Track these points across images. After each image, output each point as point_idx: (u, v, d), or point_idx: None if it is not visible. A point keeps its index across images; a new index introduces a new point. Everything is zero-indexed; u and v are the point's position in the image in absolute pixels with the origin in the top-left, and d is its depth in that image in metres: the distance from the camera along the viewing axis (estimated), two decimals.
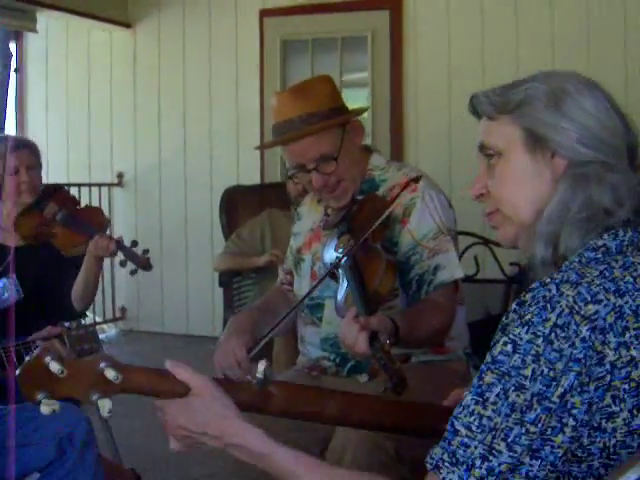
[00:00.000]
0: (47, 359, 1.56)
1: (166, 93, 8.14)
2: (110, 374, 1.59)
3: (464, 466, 1.39)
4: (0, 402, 2.84)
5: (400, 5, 7.26)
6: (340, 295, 2.56)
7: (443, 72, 7.11)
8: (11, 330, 3.15)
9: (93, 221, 3.76)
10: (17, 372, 1.57)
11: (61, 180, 7.59)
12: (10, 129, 9.44)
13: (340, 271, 2.60)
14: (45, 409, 1.56)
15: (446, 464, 1.41)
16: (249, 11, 7.78)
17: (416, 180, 2.78)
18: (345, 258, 2.54)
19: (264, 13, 7.75)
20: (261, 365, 1.74)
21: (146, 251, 3.53)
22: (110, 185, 8.09)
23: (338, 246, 2.72)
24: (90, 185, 7.97)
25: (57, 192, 3.97)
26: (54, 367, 1.55)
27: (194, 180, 8.05)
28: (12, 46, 9.34)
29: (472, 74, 6.90)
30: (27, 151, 3.75)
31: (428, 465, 1.45)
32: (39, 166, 3.84)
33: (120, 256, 3.66)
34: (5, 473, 2.59)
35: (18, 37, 9.01)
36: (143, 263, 3.68)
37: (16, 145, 3.71)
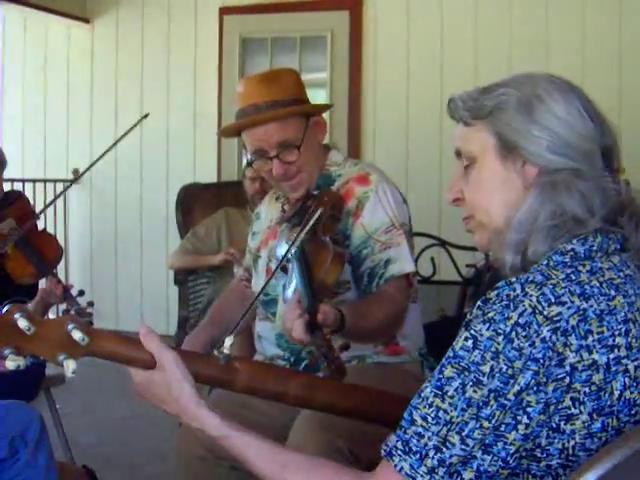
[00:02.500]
0: (16, 315, 1.59)
1: (123, 90, 8.09)
2: (77, 335, 1.62)
3: (417, 455, 1.42)
4: None
5: (360, 5, 7.27)
6: (289, 287, 2.56)
7: (401, 72, 7.13)
8: None
9: (47, 253, 3.72)
10: None
11: (16, 175, 7.52)
12: None
13: (290, 264, 2.60)
14: (10, 364, 1.60)
15: (399, 452, 1.44)
16: (209, 8, 7.75)
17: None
18: (294, 250, 2.55)
19: (224, 11, 7.72)
20: (228, 340, 1.75)
21: (90, 303, 3.47)
22: (65, 181, 8.02)
23: (289, 239, 2.72)
24: (45, 181, 7.91)
25: (17, 201, 3.94)
26: (22, 323, 1.58)
27: (150, 177, 8.01)
28: None
29: (430, 74, 6.94)
30: None
31: (382, 451, 1.48)
32: (1, 171, 3.80)
33: (64, 305, 3.59)
34: None
35: None
36: (84, 316, 3.59)
37: None
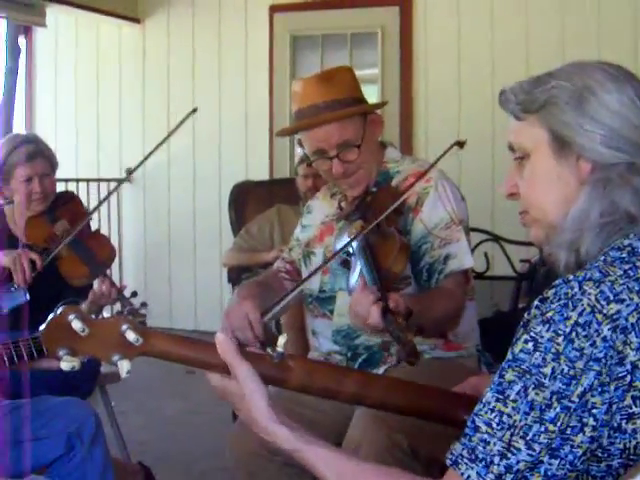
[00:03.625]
0: (70, 317, 1.61)
1: (175, 89, 8.13)
2: (131, 336, 1.64)
3: (482, 463, 1.40)
4: (10, 397, 2.83)
5: (410, 1, 7.24)
6: (353, 279, 2.57)
7: (452, 66, 7.09)
8: (24, 326, 3.17)
9: (99, 254, 3.74)
10: (41, 327, 1.62)
11: (70, 176, 7.58)
12: (19, 125, 9.45)
13: (352, 258, 2.61)
14: (65, 365, 1.62)
15: (465, 460, 1.42)
16: (259, 7, 7.76)
17: (460, 144, 2.79)
18: (356, 243, 2.55)
19: (274, 9, 7.73)
20: (282, 338, 1.75)
21: (144, 304, 3.47)
22: (119, 180, 8.06)
23: (351, 233, 2.72)
24: (99, 180, 7.96)
25: (70, 202, 3.97)
26: (76, 325, 1.60)
27: (203, 176, 8.04)
28: (21, 41, 9.35)
29: (482, 69, 6.89)
30: (42, 159, 3.75)
31: (448, 461, 1.45)
32: (53, 172, 3.84)
33: (117, 305, 3.59)
34: (14, 467, 2.58)
35: (27, 32, 9.01)
36: (137, 316, 3.59)
37: (30, 155, 3.71)
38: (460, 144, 2.79)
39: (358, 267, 2.55)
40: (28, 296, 3.52)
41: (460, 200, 2.92)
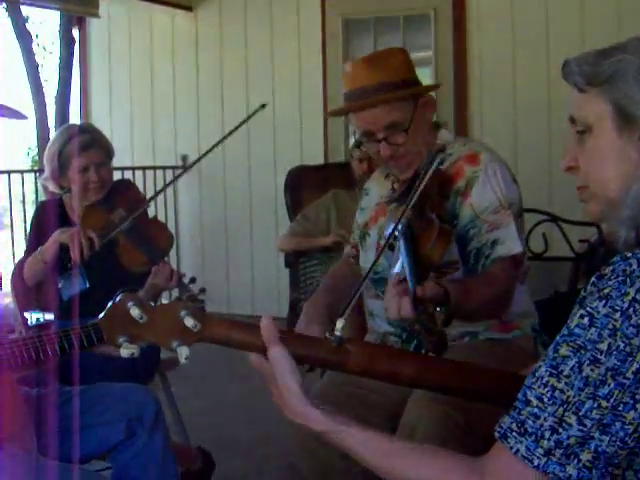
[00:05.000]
0: (129, 304, 1.62)
1: (228, 75, 8.15)
2: (189, 322, 1.65)
3: (532, 437, 1.39)
4: (67, 384, 2.86)
5: None
6: (395, 265, 2.55)
7: (507, 46, 7.02)
8: (75, 315, 3.20)
9: (157, 240, 3.76)
10: (100, 315, 1.64)
11: (126, 164, 7.64)
12: (74, 114, 9.56)
13: (397, 242, 2.59)
14: (124, 352, 1.64)
15: (514, 433, 1.41)
16: None
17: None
18: (400, 227, 2.53)
19: None
20: (339, 323, 1.74)
21: (202, 290, 3.48)
22: (174, 168, 8.11)
23: (396, 216, 2.71)
24: (155, 168, 8.01)
25: (127, 190, 3.99)
26: (135, 312, 1.62)
27: (258, 161, 8.06)
28: (75, 32, 9.44)
29: (537, 49, 6.82)
30: (97, 149, 3.78)
31: (496, 434, 1.45)
32: (109, 161, 3.87)
33: (175, 291, 3.61)
34: (76, 453, 2.61)
35: (81, 23, 9.10)
36: (196, 303, 3.59)
37: (86, 145, 3.74)
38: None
39: (400, 252, 2.53)
40: (88, 283, 3.56)
41: (511, 183, 2.87)
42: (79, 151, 3.72)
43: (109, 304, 1.68)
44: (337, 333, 1.74)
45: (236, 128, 3.73)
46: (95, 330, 2.49)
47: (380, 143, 2.85)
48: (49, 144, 3.90)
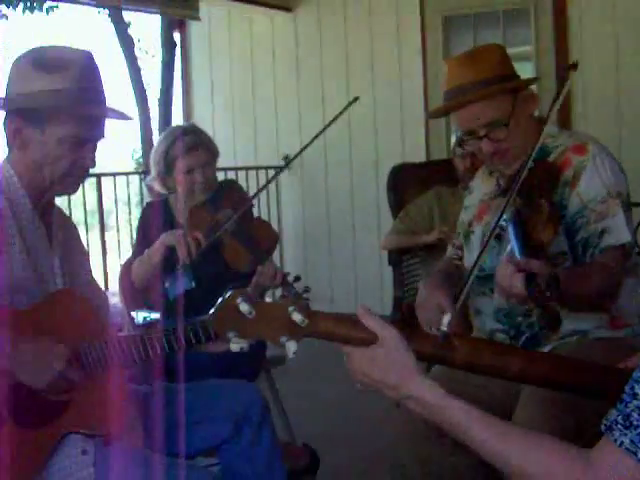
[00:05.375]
0: (238, 300, 1.64)
1: (328, 75, 8.17)
2: (297, 317, 1.67)
3: (638, 430, 1.37)
4: (174, 381, 2.89)
5: None
6: (506, 253, 2.53)
7: (609, 38, 6.91)
8: (181, 314, 3.24)
9: (262, 240, 3.78)
10: (211, 311, 1.67)
11: (228, 164, 7.71)
12: (177, 116, 9.69)
13: (505, 232, 2.58)
14: (234, 347, 1.67)
15: (619, 426, 1.40)
16: None
17: (574, 67, 2.71)
18: (507, 215, 2.52)
19: None
20: (446, 317, 1.75)
21: (307, 289, 3.50)
22: (276, 168, 8.16)
23: (502, 206, 2.69)
24: (257, 168, 8.06)
25: (232, 190, 4.03)
26: (244, 308, 1.64)
27: (359, 160, 8.06)
28: (176, 35, 9.58)
29: None
30: (202, 150, 3.82)
31: (602, 426, 1.44)
32: (214, 161, 3.91)
33: (281, 291, 3.62)
34: (183, 449, 2.64)
35: (182, 26, 9.23)
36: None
37: (191, 146, 3.79)
38: (574, 66, 2.75)
39: (510, 240, 2.52)
40: (194, 283, 3.60)
41: (619, 172, 2.83)
42: (185, 152, 3.76)
43: (219, 300, 1.70)
44: (443, 328, 1.74)
45: (331, 122, 3.75)
46: (202, 328, 2.52)
47: (482, 140, 2.83)
48: (155, 146, 3.96)
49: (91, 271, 2.95)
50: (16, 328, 2.32)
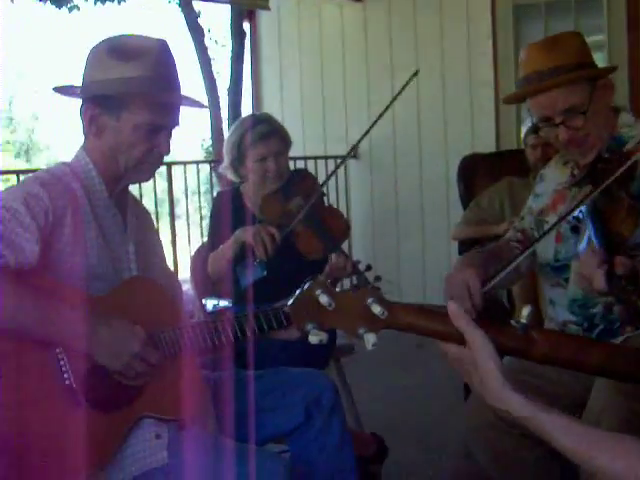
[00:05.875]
0: (317, 291, 1.65)
1: (398, 64, 8.13)
2: (376, 309, 1.66)
3: None
4: (244, 368, 2.91)
5: None
6: (582, 244, 2.51)
7: None
8: (251, 301, 3.26)
9: (334, 229, 3.78)
10: (289, 303, 1.67)
11: (297, 154, 7.73)
12: (247, 106, 9.73)
13: (582, 224, 2.55)
14: (313, 339, 1.67)
15: None
16: None
17: None
18: (586, 206, 2.49)
19: None
20: (525, 310, 1.73)
21: (378, 278, 3.49)
22: (345, 157, 8.13)
23: (580, 199, 2.66)
24: (326, 158, 8.06)
25: (304, 179, 4.04)
26: (323, 300, 1.64)
27: (428, 149, 8.02)
28: (246, 25, 9.62)
29: None
30: (276, 138, 3.85)
31: None
32: (287, 150, 3.93)
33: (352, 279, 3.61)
34: (255, 435, 2.65)
35: (251, 16, 9.26)
36: None
37: (264, 135, 3.81)
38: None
39: (587, 232, 2.49)
40: (266, 272, 3.62)
41: None
42: (258, 141, 3.79)
43: (298, 291, 1.71)
44: (523, 320, 1.72)
45: (394, 98, 3.74)
46: (274, 315, 2.53)
47: (558, 127, 2.80)
48: (228, 134, 3.99)
49: (165, 258, 2.98)
50: (93, 315, 2.35)
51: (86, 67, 2.63)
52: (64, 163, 2.67)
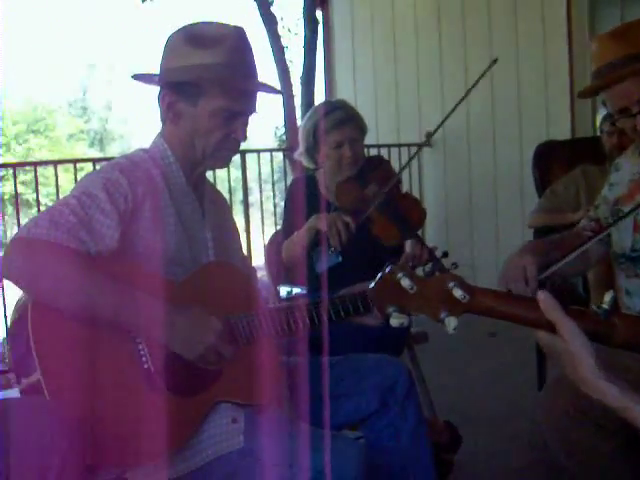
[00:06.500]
0: (399, 275, 1.66)
1: (471, 50, 8.09)
2: (458, 293, 1.66)
3: None
4: (318, 353, 2.92)
5: None
6: None
7: None
8: (324, 289, 3.27)
9: (410, 215, 3.77)
10: (370, 286, 1.68)
11: (370, 141, 7.72)
12: (320, 94, 9.75)
13: None
14: (394, 322, 1.68)
15: None
16: None
17: None
18: None
19: None
20: (607, 295, 1.71)
21: (454, 265, 3.47)
22: (419, 145, 8.12)
23: None
24: (399, 146, 8.04)
25: (380, 166, 4.04)
26: (405, 283, 1.65)
27: (503, 136, 7.96)
28: (318, 13, 9.64)
29: None
30: (352, 125, 3.86)
31: None
32: (363, 137, 3.93)
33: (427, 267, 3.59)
34: (331, 421, 2.66)
35: (323, 4, 9.27)
36: None
37: (341, 121, 3.82)
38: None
39: None
40: (341, 258, 3.63)
41: None
42: (334, 127, 3.79)
43: (379, 274, 1.71)
44: (605, 306, 1.70)
45: (472, 86, 3.73)
46: (352, 301, 2.53)
47: (635, 117, 2.76)
48: (304, 120, 4.00)
49: (241, 244, 3.01)
50: (171, 299, 2.38)
51: (164, 54, 2.65)
52: (142, 149, 2.70)
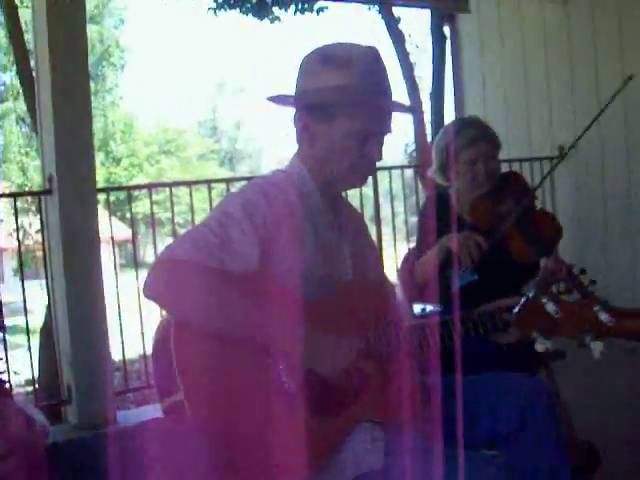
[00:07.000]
0: (544, 300, 1.64)
1: (603, 66, 7.92)
2: (604, 317, 1.64)
3: None
4: (451, 371, 2.90)
5: None
6: None
7: None
8: (456, 307, 3.25)
9: (546, 232, 3.73)
10: (514, 311, 1.68)
11: (501, 156, 7.65)
12: (450, 110, 9.72)
13: None
14: (539, 347, 1.67)
15: None
16: None
17: None
18: None
19: None
20: None
21: (593, 282, 3.38)
22: (550, 158, 8.00)
23: None
24: (531, 160, 7.94)
25: (515, 181, 4.01)
26: (550, 308, 1.64)
27: (637, 149, 7.77)
28: (446, 29, 9.62)
29: None
30: (485, 141, 3.86)
31: None
32: (497, 153, 3.92)
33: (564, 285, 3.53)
34: (469, 440, 2.63)
35: (451, 19, 9.25)
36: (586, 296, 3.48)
37: (474, 137, 3.81)
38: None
39: None
40: (477, 275, 3.60)
41: None
42: (467, 145, 3.79)
43: (523, 299, 1.70)
44: None
45: (607, 104, 3.68)
46: (490, 320, 2.51)
47: None
48: (437, 138, 4.00)
49: (378, 261, 3.01)
50: (311, 319, 2.40)
51: (299, 75, 2.68)
52: (280, 170, 2.74)
